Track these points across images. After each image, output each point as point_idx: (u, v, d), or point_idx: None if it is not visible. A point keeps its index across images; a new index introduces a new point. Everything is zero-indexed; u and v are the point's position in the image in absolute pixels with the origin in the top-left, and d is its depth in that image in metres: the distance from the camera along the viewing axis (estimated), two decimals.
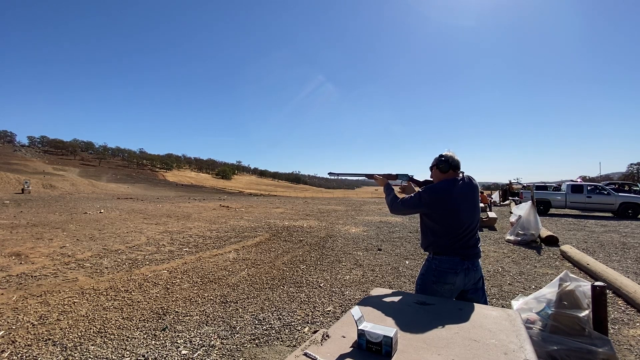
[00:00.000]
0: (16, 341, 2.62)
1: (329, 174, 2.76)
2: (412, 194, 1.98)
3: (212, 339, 2.73)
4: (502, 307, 3.02)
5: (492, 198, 20.87)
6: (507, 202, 20.99)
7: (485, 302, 1.90)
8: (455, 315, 1.46)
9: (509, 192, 22.78)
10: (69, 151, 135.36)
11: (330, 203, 22.28)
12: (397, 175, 2.36)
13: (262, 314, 3.25)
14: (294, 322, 3.09)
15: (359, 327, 1.18)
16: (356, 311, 1.24)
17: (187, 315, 3.20)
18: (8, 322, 2.95)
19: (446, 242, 1.87)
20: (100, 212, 12.45)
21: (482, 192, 20.61)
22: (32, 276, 4.29)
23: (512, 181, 24.88)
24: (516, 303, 2.68)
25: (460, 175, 1.97)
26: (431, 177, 2.12)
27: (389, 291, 1.82)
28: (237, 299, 3.68)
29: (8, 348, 2.51)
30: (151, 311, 3.28)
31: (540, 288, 2.72)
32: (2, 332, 2.77)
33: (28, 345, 2.56)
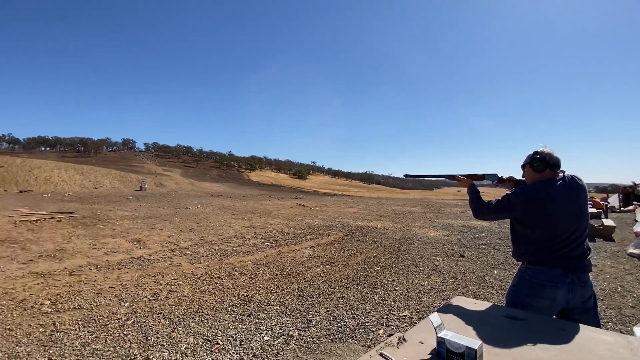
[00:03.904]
0: (137, 312, 3.19)
1: (404, 175, 2.67)
2: (500, 197, 1.79)
3: (291, 329, 2.90)
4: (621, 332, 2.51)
5: (607, 202, 17.40)
6: (630, 207, 17.24)
7: (597, 326, 1.61)
8: (556, 335, 1.28)
9: (633, 195, 18.66)
10: (174, 155, 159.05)
11: (405, 204, 21.46)
12: (483, 175, 2.15)
13: (337, 311, 3.31)
14: (369, 322, 3.08)
15: (439, 335, 1.12)
16: (435, 318, 1.19)
17: (269, 305, 3.46)
18: (132, 296, 3.60)
19: (543, 251, 1.64)
20: (197, 208, 14.27)
21: (592, 197, 17.41)
22: (148, 259, 5.16)
23: (637, 183, 20.32)
24: None
25: (561, 174, 1.71)
26: (523, 176, 1.88)
27: (473, 301, 1.68)
28: (313, 293, 3.83)
29: (131, 317, 3.07)
30: (238, 298, 3.64)
31: None
32: (128, 303, 3.40)
33: (145, 316, 3.09)
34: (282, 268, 4.87)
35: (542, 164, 1.70)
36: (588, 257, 1.65)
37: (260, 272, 4.67)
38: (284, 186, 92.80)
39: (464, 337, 1.10)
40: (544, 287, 1.61)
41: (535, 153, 1.74)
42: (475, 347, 1.04)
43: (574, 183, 1.68)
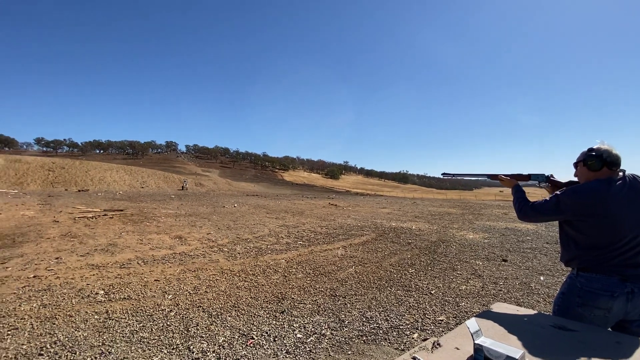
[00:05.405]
0: (179, 304, 3.38)
1: (442, 174, 2.57)
2: (547, 197, 1.66)
3: (323, 328, 2.91)
4: None
5: None
6: None
7: None
8: (611, 349, 1.17)
9: None
10: (212, 156, 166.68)
11: (442, 205, 20.68)
12: (529, 175, 2.01)
13: (370, 313, 3.28)
14: (402, 325, 3.01)
15: (476, 341, 1.07)
16: (472, 323, 1.13)
17: (301, 303, 3.50)
18: (174, 289, 3.83)
19: (597, 256, 1.50)
20: (234, 207, 14.81)
21: None
22: (188, 255, 5.44)
23: None
24: None
25: (620, 174, 1.55)
26: (575, 175, 1.73)
27: (516, 308, 1.58)
28: (345, 294, 3.82)
29: (174, 309, 3.26)
30: (272, 295, 3.73)
31: None
32: (171, 295, 3.61)
33: (186, 309, 3.27)
34: (314, 267, 4.91)
35: (597, 162, 1.54)
36: None
37: (294, 270, 4.74)
38: (317, 186, 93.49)
39: (504, 345, 1.04)
40: (598, 296, 1.47)
41: (590, 150, 1.58)
42: (517, 357, 0.98)
43: (635, 183, 1.52)
